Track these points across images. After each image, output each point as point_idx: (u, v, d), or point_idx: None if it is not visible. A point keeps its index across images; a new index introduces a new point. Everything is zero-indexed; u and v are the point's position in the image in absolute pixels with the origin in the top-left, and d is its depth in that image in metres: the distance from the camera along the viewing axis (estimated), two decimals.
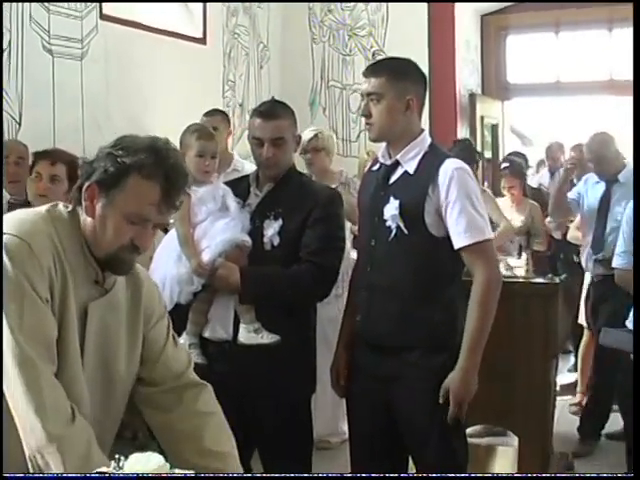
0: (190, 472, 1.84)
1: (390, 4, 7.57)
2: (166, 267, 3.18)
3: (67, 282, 2.13)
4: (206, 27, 6.88)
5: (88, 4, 5.54)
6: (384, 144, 3.16)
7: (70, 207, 2.25)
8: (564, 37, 8.33)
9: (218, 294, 3.20)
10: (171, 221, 3.23)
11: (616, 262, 4.21)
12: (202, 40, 6.85)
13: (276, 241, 3.16)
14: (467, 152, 5.25)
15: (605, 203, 5.30)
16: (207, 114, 5.43)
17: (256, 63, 7.67)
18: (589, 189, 5.57)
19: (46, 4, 5.21)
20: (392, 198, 3.02)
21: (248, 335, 3.12)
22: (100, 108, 5.69)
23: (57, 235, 2.16)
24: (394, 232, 3.00)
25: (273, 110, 3.29)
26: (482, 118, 8.06)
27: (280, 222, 3.16)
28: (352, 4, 7.73)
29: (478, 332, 2.96)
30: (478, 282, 2.97)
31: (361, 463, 3.20)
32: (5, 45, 4.96)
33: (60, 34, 5.36)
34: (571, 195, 5.62)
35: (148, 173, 2.14)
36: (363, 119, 3.14)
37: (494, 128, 8.50)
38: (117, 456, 1.71)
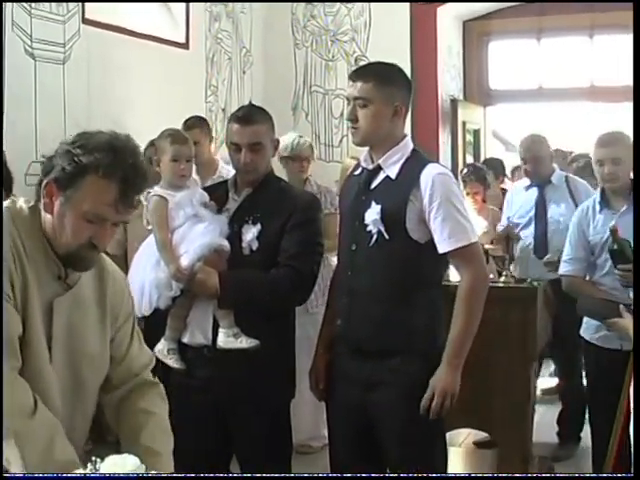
0: None
1: (373, 9, 7.60)
2: (144, 272, 3.17)
3: (28, 278, 2.13)
4: (189, 32, 6.88)
5: (70, 8, 5.53)
6: (366, 148, 3.17)
7: (31, 202, 2.25)
8: (546, 43, 8.37)
9: (197, 299, 3.19)
10: (149, 227, 3.23)
11: (563, 269, 4.18)
12: (185, 45, 6.85)
13: (255, 246, 3.16)
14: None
15: (541, 206, 5.30)
16: (187, 128, 5.31)
17: (239, 68, 7.67)
18: (515, 196, 5.58)
19: (28, 8, 5.20)
20: (373, 203, 3.02)
21: (227, 340, 3.11)
22: (82, 112, 5.68)
23: (17, 232, 2.15)
24: (375, 237, 3.01)
25: (250, 115, 3.28)
26: (464, 123, 8.09)
27: (259, 227, 3.16)
28: (335, 9, 7.76)
29: (463, 332, 2.99)
30: (464, 283, 3.01)
31: (340, 466, 3.21)
32: None
33: (42, 38, 5.35)
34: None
35: (105, 173, 2.12)
36: (348, 123, 3.14)
37: (476, 133, 8.54)
38: (93, 458, 1.72)
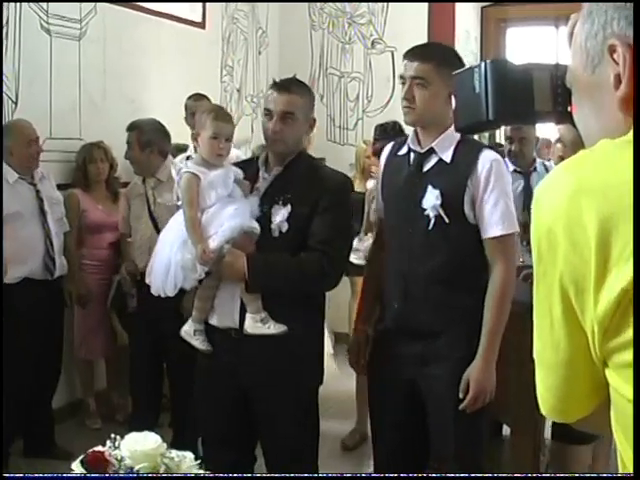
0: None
1: None
2: (171, 251, 3.08)
3: None
4: (205, 11, 6.86)
5: None
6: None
7: None
8: (564, 31, 8.30)
9: (224, 281, 3.12)
10: (179, 203, 3.15)
11: None
12: (201, 24, 6.83)
13: (284, 228, 3.06)
14: (393, 136, 4.97)
15: (527, 196, 5.21)
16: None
17: (255, 49, 7.64)
18: None
19: None
20: (430, 187, 3.00)
21: (254, 325, 3.03)
22: (97, 89, 5.66)
23: None
24: (433, 221, 2.99)
25: (289, 84, 3.21)
26: None
27: (289, 208, 3.06)
28: None
29: (496, 324, 3.01)
30: (499, 275, 3.00)
31: (384, 435, 3.22)
32: (2, 23, 4.93)
33: (58, 14, 5.33)
34: None
35: None
36: (403, 102, 3.04)
37: None
38: (113, 436, 1.69)
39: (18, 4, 5.00)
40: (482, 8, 8.26)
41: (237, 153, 6.10)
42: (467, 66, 1.56)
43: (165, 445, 1.71)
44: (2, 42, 4.89)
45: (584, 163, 1.14)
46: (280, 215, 3.07)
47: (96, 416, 5.43)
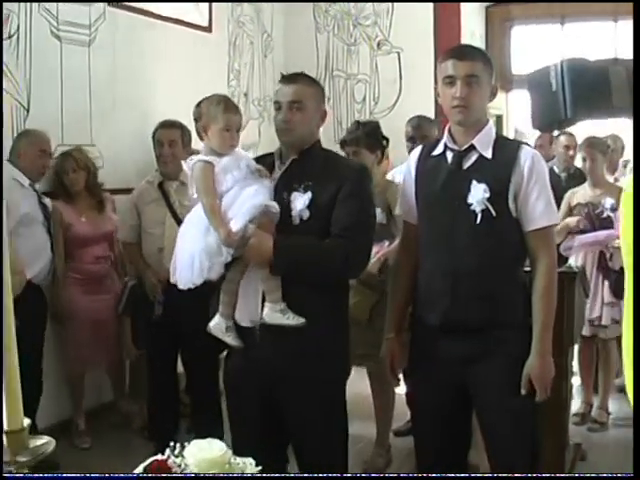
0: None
1: None
2: (193, 241, 3.02)
3: None
4: (212, 16, 6.85)
5: None
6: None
7: None
8: (569, 28, 8.29)
9: (246, 273, 3.08)
10: (194, 195, 3.11)
11: None
12: (208, 28, 6.82)
13: (305, 215, 3.02)
14: (373, 135, 4.69)
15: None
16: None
17: (260, 52, 7.62)
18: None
19: None
20: (475, 182, 3.01)
21: (273, 315, 3.00)
22: (107, 95, 5.65)
23: None
24: (480, 215, 3.00)
25: (295, 75, 3.22)
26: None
27: (309, 195, 3.03)
28: None
29: (548, 317, 3.03)
30: (545, 267, 3.04)
31: (429, 438, 3.22)
32: (13, 30, 4.91)
33: (68, 20, 5.31)
34: None
35: None
36: (455, 102, 3.00)
37: (498, 119, 8.46)
38: (171, 444, 1.65)
39: (28, 11, 4.98)
40: (487, 8, 8.25)
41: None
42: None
43: (230, 452, 1.67)
44: (2, 41, 4.86)
45: None
46: (301, 202, 3.03)
47: (85, 435, 5.20)
